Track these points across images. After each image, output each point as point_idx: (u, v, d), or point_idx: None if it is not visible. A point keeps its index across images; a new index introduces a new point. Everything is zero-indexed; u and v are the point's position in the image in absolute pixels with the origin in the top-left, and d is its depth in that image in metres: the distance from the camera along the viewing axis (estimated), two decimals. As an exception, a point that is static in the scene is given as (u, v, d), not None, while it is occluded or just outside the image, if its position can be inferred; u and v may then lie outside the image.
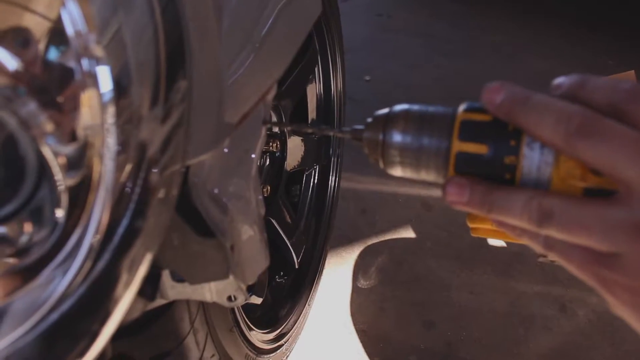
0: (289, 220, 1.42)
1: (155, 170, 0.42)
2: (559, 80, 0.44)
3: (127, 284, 0.44)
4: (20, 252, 0.42)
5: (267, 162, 1.38)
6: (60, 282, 0.42)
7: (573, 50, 3.38)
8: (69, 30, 0.39)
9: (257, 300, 1.12)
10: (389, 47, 3.27)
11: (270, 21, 0.69)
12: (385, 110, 0.52)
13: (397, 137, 0.49)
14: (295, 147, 1.42)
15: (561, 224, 0.40)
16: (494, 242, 1.98)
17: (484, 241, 1.98)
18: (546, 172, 0.43)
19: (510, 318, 1.71)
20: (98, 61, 0.39)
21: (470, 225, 0.51)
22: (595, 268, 0.40)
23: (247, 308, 1.14)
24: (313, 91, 1.52)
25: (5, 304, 0.42)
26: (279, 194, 1.39)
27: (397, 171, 0.52)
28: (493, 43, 3.40)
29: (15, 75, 0.38)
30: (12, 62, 0.37)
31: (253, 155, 0.65)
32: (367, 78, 2.90)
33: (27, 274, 0.42)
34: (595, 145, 0.39)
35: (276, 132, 1.35)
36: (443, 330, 1.64)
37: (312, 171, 1.58)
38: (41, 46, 0.38)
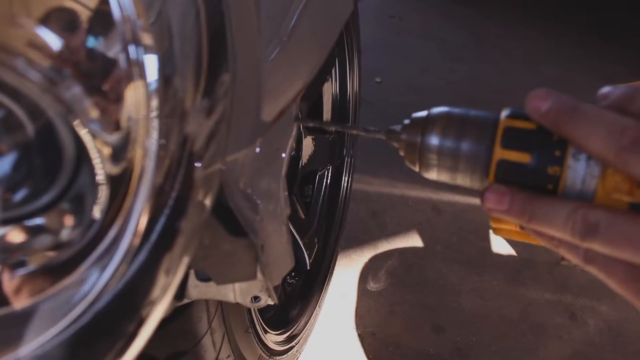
0: (303, 220, 1.40)
1: (198, 166, 0.41)
2: (606, 90, 0.42)
3: (166, 285, 0.42)
4: (58, 246, 0.41)
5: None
6: (97, 280, 0.40)
7: (585, 57, 3.37)
8: (116, 14, 0.37)
9: (270, 302, 1.10)
10: (401, 49, 3.25)
11: (296, 15, 0.68)
12: (424, 113, 0.50)
13: (435, 140, 0.48)
14: (309, 147, 1.40)
15: (607, 238, 0.39)
16: (504, 248, 1.96)
17: (493, 247, 1.96)
18: (591, 184, 0.41)
19: (520, 325, 1.70)
20: (146, 49, 0.37)
21: (494, 225, 0.50)
22: (638, 284, 0.39)
23: (261, 309, 1.13)
24: (329, 91, 1.51)
25: (40, 300, 0.40)
26: (294, 194, 1.37)
27: (432, 175, 0.50)
28: (505, 48, 3.38)
29: (59, 58, 0.36)
30: (57, 44, 0.36)
31: (284, 155, 0.63)
32: (378, 80, 2.88)
33: (63, 269, 0.41)
34: None
35: (293, 131, 1.33)
36: (453, 335, 1.63)
37: (325, 171, 1.56)
38: (87, 29, 0.37)
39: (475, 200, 2.11)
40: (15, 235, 0.41)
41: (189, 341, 0.83)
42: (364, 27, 2.96)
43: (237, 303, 0.91)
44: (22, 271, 0.41)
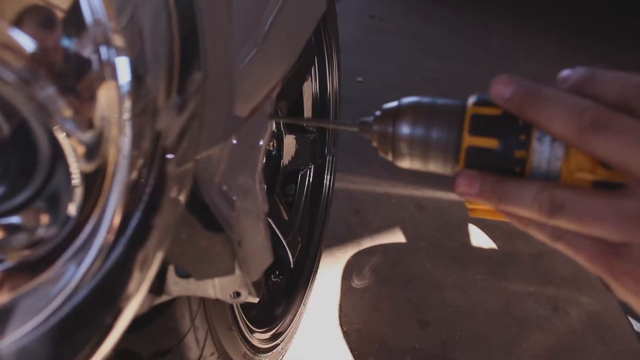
0: (285, 219, 1.42)
1: (171, 160, 0.42)
2: (566, 73, 0.44)
3: (141, 278, 0.43)
4: (34, 244, 0.42)
5: (264, 160, 1.37)
6: (73, 275, 0.41)
7: (566, 54, 3.41)
8: (88, 17, 0.38)
9: (254, 299, 1.12)
10: (382, 49, 3.28)
11: (272, 16, 0.69)
12: (394, 103, 0.52)
13: (406, 130, 0.49)
14: (291, 146, 1.41)
15: (573, 215, 0.41)
16: (487, 243, 1.98)
17: (476, 242, 1.98)
18: (556, 165, 0.43)
19: (503, 318, 1.72)
20: (117, 51, 0.39)
21: (469, 206, 0.52)
22: (605, 258, 0.41)
23: (245, 307, 1.14)
24: (309, 90, 1.52)
25: (17, 296, 0.41)
26: (276, 193, 1.38)
27: (405, 163, 0.52)
28: (487, 47, 3.42)
29: (32, 59, 0.37)
30: (30, 45, 0.37)
31: (259, 151, 0.64)
32: (360, 79, 2.90)
33: (39, 265, 0.42)
34: (608, 140, 0.39)
35: (273, 130, 1.34)
36: (437, 330, 1.65)
37: (307, 170, 1.57)
38: (60, 31, 0.38)
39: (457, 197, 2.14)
40: (-7, 233, 0.42)
41: (172, 339, 0.84)
42: (345, 28, 2.97)
43: (219, 300, 0.93)
44: None
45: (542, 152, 0.44)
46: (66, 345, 0.39)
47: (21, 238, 0.42)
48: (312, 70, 1.51)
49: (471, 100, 0.48)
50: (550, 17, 3.86)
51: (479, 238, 2.01)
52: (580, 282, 1.89)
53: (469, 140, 0.46)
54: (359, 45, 3.26)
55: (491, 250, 1.97)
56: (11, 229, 0.42)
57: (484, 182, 0.45)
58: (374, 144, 0.54)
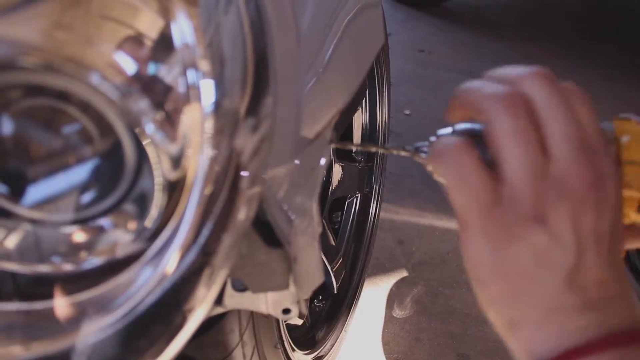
0: (332, 245, 1.44)
1: (244, 177, 0.46)
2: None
3: (209, 284, 0.47)
4: (118, 246, 0.46)
5: (317, 185, 1.41)
6: (149, 277, 0.45)
7: (615, 89, 3.37)
8: (177, 41, 0.43)
9: (298, 321, 1.14)
10: (430, 82, 3.31)
11: (332, 46, 0.73)
12: (449, 129, 0.54)
13: None
14: (339, 174, 1.45)
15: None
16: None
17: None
18: None
19: (546, 358, 1.69)
20: (203, 74, 0.43)
21: None
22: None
23: (289, 328, 1.16)
24: (359, 121, 1.56)
25: (95, 295, 0.45)
26: (323, 218, 1.41)
27: None
28: (533, 83, 3.41)
29: (130, 78, 0.42)
30: (129, 66, 0.41)
31: (319, 174, 0.68)
32: (407, 112, 2.93)
33: (120, 266, 0.46)
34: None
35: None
36: (478, 365, 1.63)
37: (354, 198, 1.60)
38: (153, 52, 0.42)
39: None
40: (81, 235, 0.46)
41: (221, 352, 0.87)
42: (394, 61, 3.01)
43: (268, 320, 0.96)
44: (85, 266, 0.46)
45: None
46: (142, 339, 0.43)
47: (107, 239, 0.46)
48: (363, 101, 1.55)
49: None
50: (598, 53, 3.83)
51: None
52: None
53: None
54: (407, 78, 3.31)
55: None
56: (100, 231, 0.46)
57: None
58: (428, 168, 0.56)
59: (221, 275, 0.48)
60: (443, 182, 0.55)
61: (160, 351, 0.44)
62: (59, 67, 0.43)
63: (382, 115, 1.61)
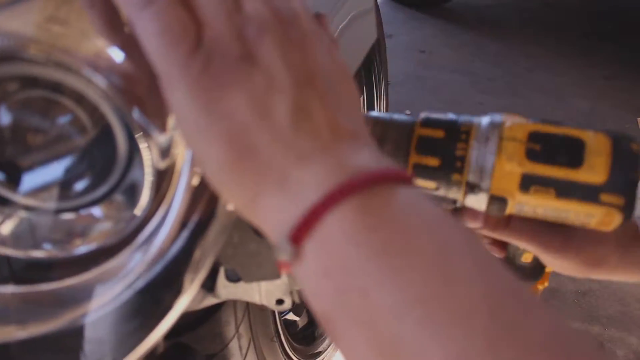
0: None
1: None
2: None
3: (198, 267, 0.49)
4: (107, 233, 0.48)
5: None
6: (140, 261, 0.47)
7: (615, 89, 3.38)
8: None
9: (295, 317, 1.16)
10: (431, 82, 3.33)
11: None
12: None
13: None
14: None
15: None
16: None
17: (520, 276, 1.97)
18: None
19: (545, 354, 1.69)
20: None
21: None
22: None
23: (287, 324, 1.18)
24: (357, 119, 1.58)
25: (93, 276, 0.47)
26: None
27: None
28: (535, 82, 3.42)
29: (120, 69, 0.44)
30: (119, 56, 0.43)
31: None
32: (408, 112, 2.95)
33: (112, 251, 0.48)
34: None
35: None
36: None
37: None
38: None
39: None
40: (73, 222, 0.48)
41: (218, 344, 0.89)
42: (395, 62, 3.02)
43: (264, 313, 0.97)
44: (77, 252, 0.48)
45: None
46: (136, 317, 0.45)
47: (99, 227, 0.48)
48: (361, 100, 1.57)
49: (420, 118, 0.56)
50: (599, 52, 3.83)
51: (522, 272, 1.99)
52: (629, 321, 1.85)
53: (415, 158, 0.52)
54: (408, 79, 3.32)
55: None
56: (91, 219, 0.48)
57: None
58: None
59: (209, 260, 0.50)
60: None
61: (148, 331, 0.46)
62: (54, 59, 0.45)
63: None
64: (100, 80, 0.43)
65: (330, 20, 0.74)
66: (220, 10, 0.32)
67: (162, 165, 0.46)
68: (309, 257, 0.30)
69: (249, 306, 0.90)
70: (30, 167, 0.47)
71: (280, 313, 1.12)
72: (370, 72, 1.53)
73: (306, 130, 0.32)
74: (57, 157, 0.47)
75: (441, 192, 0.52)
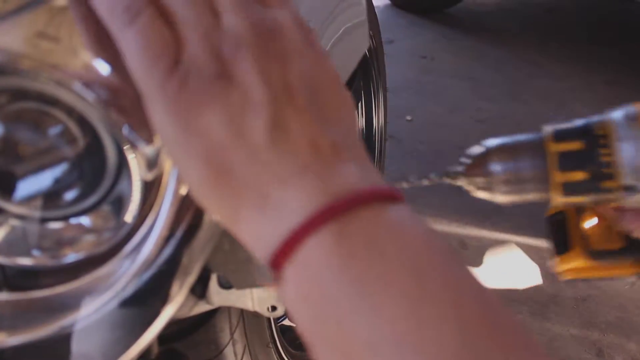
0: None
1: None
2: None
3: (186, 274, 0.50)
4: (97, 242, 0.49)
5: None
6: (128, 269, 0.48)
7: (616, 96, 3.38)
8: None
9: (291, 323, 1.16)
10: (432, 88, 3.33)
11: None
12: (482, 148, 0.54)
13: (498, 168, 0.52)
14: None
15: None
16: (529, 283, 1.97)
17: (519, 282, 1.97)
18: None
19: (544, 360, 1.70)
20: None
21: (559, 269, 0.54)
22: None
23: (283, 330, 1.19)
24: (355, 125, 1.58)
25: (85, 283, 0.48)
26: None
27: (503, 199, 0.54)
28: (536, 87, 3.43)
29: (108, 83, 0.45)
30: (107, 71, 0.45)
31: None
32: (409, 118, 2.96)
33: (101, 260, 0.49)
34: None
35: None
36: (475, 368, 1.64)
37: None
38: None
39: (501, 236, 2.14)
40: (63, 231, 0.49)
41: (213, 350, 0.90)
42: (396, 67, 3.03)
43: (259, 319, 0.98)
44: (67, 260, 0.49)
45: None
46: (125, 324, 0.46)
47: (88, 237, 0.49)
48: (359, 106, 1.58)
49: (547, 132, 0.52)
50: (600, 58, 3.84)
51: (522, 278, 2.00)
52: (627, 328, 1.85)
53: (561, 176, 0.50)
54: (409, 84, 3.33)
55: (534, 290, 1.96)
56: (80, 228, 0.49)
57: None
58: (467, 188, 0.56)
59: (197, 268, 0.51)
60: (485, 197, 0.56)
61: (136, 337, 0.47)
62: (44, 74, 0.46)
63: (378, 120, 1.63)
64: (89, 94, 0.44)
65: (322, 34, 0.76)
66: (198, 27, 0.32)
67: (150, 176, 0.47)
68: (289, 281, 0.30)
69: (243, 312, 0.91)
70: (22, 177, 0.48)
71: (276, 319, 1.13)
72: (368, 79, 1.54)
73: (284, 150, 0.31)
74: (47, 167, 0.49)
75: (596, 202, 0.50)
